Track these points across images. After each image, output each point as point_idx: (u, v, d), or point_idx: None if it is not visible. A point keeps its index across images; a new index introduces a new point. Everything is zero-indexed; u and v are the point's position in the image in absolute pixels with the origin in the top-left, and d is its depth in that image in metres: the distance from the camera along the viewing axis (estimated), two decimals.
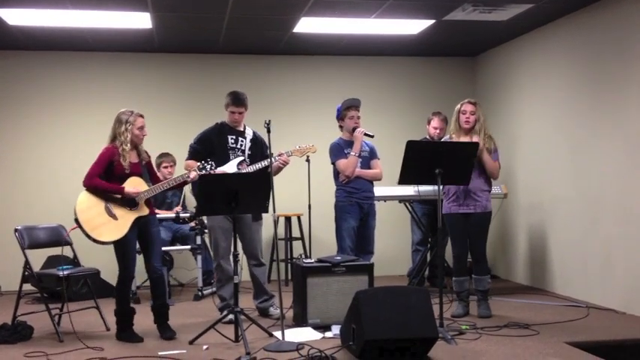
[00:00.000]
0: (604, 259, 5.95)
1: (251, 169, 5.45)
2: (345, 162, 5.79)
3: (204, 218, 6.33)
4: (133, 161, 4.89)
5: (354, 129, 5.82)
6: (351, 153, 5.78)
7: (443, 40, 7.51)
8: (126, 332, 4.95)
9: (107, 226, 4.75)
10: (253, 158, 5.56)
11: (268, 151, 5.12)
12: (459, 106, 5.56)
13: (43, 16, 6.26)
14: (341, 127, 5.99)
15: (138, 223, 4.86)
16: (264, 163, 5.38)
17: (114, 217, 4.78)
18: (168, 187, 4.94)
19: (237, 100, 5.58)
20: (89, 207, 4.77)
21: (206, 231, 6.80)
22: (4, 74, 7.62)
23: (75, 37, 7.02)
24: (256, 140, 5.65)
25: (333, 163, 5.90)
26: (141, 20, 6.41)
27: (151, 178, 5.03)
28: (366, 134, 5.81)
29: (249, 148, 5.61)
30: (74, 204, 4.78)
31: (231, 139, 5.59)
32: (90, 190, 4.81)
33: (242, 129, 5.67)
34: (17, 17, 6.27)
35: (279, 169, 5.54)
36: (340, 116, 5.95)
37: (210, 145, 5.55)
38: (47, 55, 7.66)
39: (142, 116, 4.93)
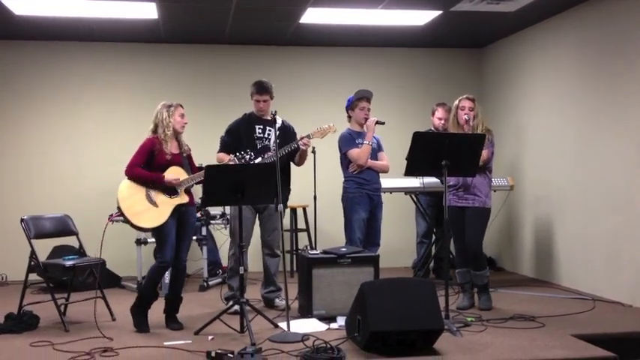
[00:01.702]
0: (610, 252, 5.93)
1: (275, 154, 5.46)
2: (358, 151, 5.76)
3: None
4: (173, 152, 5.00)
5: (365, 120, 5.80)
6: (364, 142, 5.75)
7: (450, 32, 7.47)
8: (140, 313, 4.98)
9: (148, 212, 4.85)
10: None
11: (275, 142, 5.12)
12: (457, 102, 5.54)
13: (48, 6, 6.25)
14: (349, 117, 5.96)
15: (178, 211, 4.94)
16: (289, 148, 5.40)
17: (154, 204, 4.87)
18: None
19: (261, 88, 5.59)
20: (130, 195, 4.89)
21: (212, 222, 6.82)
22: (10, 64, 7.62)
23: (80, 27, 7.01)
24: (285, 129, 5.63)
25: (345, 154, 5.84)
26: (147, 10, 6.39)
27: (192, 170, 5.12)
28: (377, 122, 5.78)
29: (278, 137, 5.58)
30: (116, 192, 4.89)
31: (259, 128, 5.60)
32: (131, 178, 4.92)
33: (270, 118, 5.66)
34: (23, 7, 6.27)
35: (304, 154, 5.57)
36: (351, 106, 5.91)
37: (238, 135, 5.56)
38: (53, 45, 7.66)
39: (181, 105, 5.09)
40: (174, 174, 4.93)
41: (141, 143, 5.00)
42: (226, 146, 5.56)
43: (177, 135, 5.06)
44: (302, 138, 5.47)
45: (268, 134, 5.60)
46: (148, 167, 4.96)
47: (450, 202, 5.49)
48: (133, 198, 4.87)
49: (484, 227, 5.57)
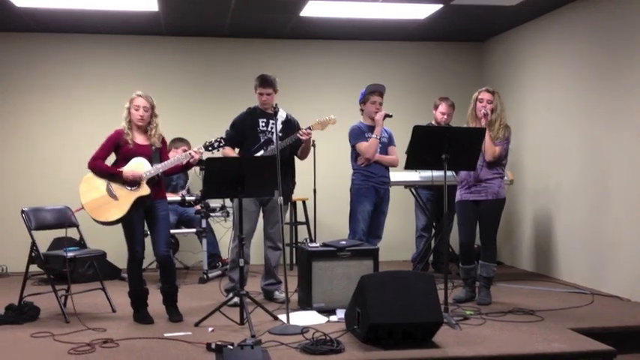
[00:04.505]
0: (609, 246, 5.94)
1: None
2: (366, 145, 5.80)
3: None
4: (141, 143, 4.93)
5: (376, 114, 5.82)
6: (372, 136, 5.79)
7: (451, 25, 7.46)
8: (138, 313, 5.00)
9: (107, 206, 4.82)
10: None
11: (276, 136, 5.12)
12: (476, 94, 5.49)
13: None
14: (362, 110, 5.99)
15: (143, 204, 4.88)
16: (290, 140, 5.40)
17: (115, 197, 4.83)
18: (169, 167, 4.90)
19: (264, 82, 5.58)
20: (92, 188, 4.87)
21: (212, 214, 6.83)
22: (11, 56, 7.61)
23: (82, 19, 7.00)
24: (289, 122, 5.63)
25: (353, 146, 5.89)
26: (148, 3, 6.38)
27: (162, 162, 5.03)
28: (386, 115, 5.80)
29: (281, 130, 5.56)
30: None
31: (262, 122, 5.59)
32: (93, 171, 4.90)
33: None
34: None
35: (307, 147, 5.57)
36: (363, 100, 5.95)
37: (242, 129, 5.57)
38: (54, 37, 7.65)
39: (141, 96, 4.93)
40: (135, 166, 4.85)
41: (108, 135, 4.96)
42: (231, 140, 5.55)
43: (141, 127, 4.96)
44: (302, 129, 5.48)
45: (272, 127, 5.60)
46: (115, 158, 4.93)
47: (462, 197, 5.50)
48: (94, 192, 4.84)
49: (499, 218, 5.57)
